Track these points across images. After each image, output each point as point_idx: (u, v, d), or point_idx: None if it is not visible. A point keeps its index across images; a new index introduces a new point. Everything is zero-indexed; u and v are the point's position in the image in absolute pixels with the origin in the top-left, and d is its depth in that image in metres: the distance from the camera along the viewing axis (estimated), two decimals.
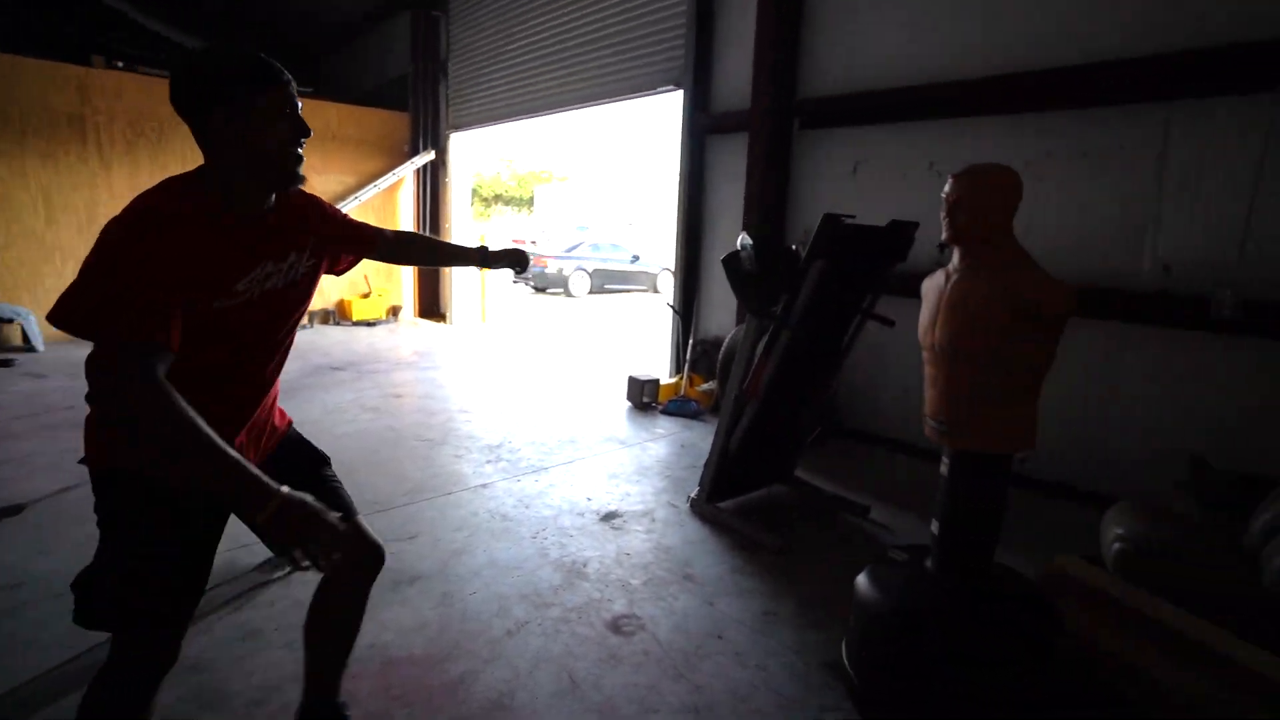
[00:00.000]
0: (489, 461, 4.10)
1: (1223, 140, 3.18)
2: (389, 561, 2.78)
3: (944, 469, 2.05)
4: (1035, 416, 1.91)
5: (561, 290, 15.80)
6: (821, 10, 4.75)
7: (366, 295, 9.46)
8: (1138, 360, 3.50)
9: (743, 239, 3.11)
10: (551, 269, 15.72)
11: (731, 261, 3.09)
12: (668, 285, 17.13)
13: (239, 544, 2.93)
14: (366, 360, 6.96)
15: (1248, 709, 1.81)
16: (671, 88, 6.02)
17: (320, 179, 9.02)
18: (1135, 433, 3.51)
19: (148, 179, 7.78)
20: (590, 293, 16.00)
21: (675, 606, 2.62)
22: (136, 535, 1.34)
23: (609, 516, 3.39)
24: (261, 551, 2.89)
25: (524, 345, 8.43)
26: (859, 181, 4.64)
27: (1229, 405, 3.22)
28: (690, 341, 5.75)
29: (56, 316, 1.15)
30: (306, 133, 1.31)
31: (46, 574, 2.69)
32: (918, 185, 4.27)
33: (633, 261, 16.92)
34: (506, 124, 8.48)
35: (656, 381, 5.50)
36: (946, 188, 1.94)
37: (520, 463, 4.11)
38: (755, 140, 5.05)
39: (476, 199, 27.46)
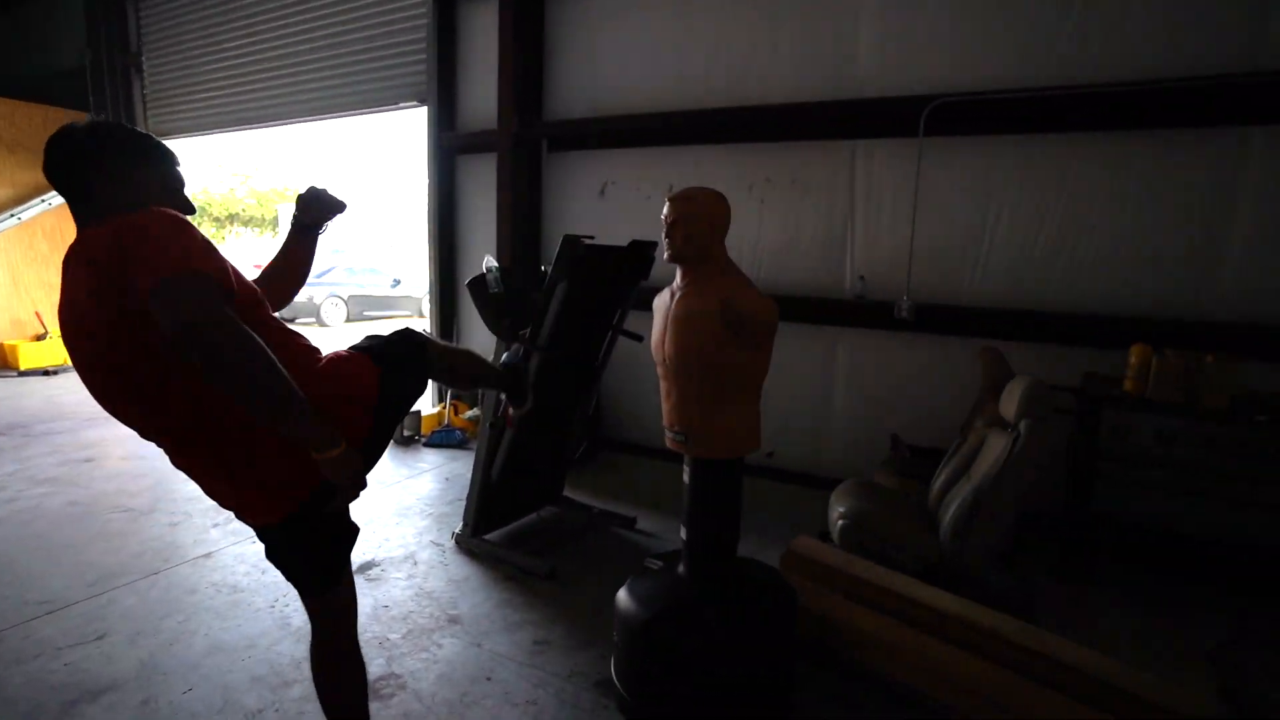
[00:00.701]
0: (215, 525, 3.49)
1: (890, 172, 3.86)
2: (62, 676, 2.25)
3: (686, 476, 2.16)
4: (758, 419, 2.10)
5: (313, 320, 14.31)
6: (562, 37, 4.89)
7: (41, 337, 7.61)
8: (846, 357, 4.10)
9: (488, 261, 3.03)
10: (301, 297, 14.02)
11: (477, 285, 3.00)
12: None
13: None
14: (42, 419, 5.58)
15: (928, 643, 2.17)
16: (415, 104, 5.76)
17: None
18: (852, 419, 4.10)
19: None
20: (347, 321, 14.71)
21: (439, 655, 2.44)
22: (323, 544, 1.56)
23: (364, 568, 3.07)
24: None
25: None
26: (609, 202, 4.84)
27: (917, 389, 3.89)
28: None
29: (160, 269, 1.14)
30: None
31: None
32: (661, 206, 4.56)
33: (394, 286, 15.92)
34: (226, 133, 7.43)
35: (418, 414, 5.17)
36: (664, 210, 2.05)
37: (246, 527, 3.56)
38: (504, 161, 5.01)
39: (207, 218, 23.94)
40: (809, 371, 4.16)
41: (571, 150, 4.97)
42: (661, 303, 2.13)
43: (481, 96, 5.30)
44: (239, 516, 1.53)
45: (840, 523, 2.83)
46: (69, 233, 7.89)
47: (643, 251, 3.19)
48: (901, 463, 3.53)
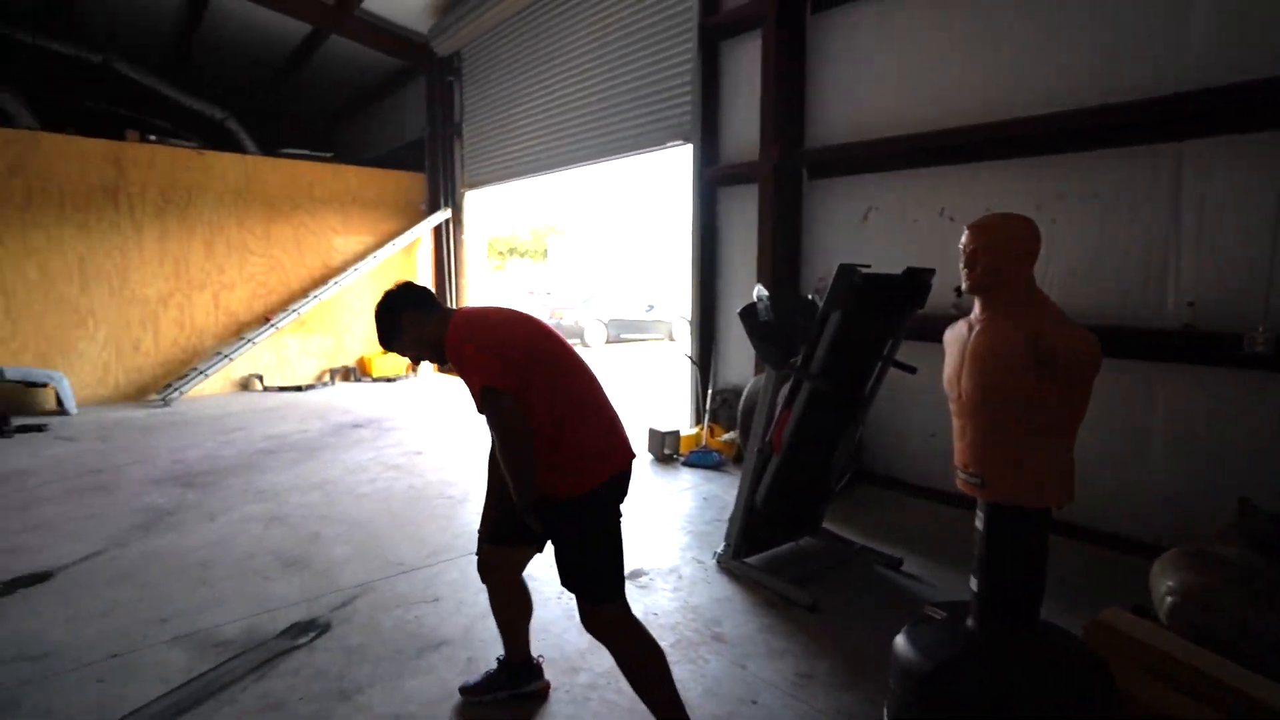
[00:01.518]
0: None
1: (1235, 175, 3.19)
2: (412, 627, 2.79)
3: (979, 523, 2.00)
4: (1071, 467, 1.87)
5: (578, 340, 15.92)
6: (824, 62, 4.89)
7: (386, 351, 9.58)
8: (1169, 399, 3.44)
9: (759, 291, 3.13)
10: (568, 320, 15.88)
11: (748, 314, 3.11)
12: (684, 333, 17.23)
13: (262, 609, 2.93)
14: (388, 417, 7.01)
15: None
16: (680, 142, 6.18)
17: (341, 240, 9.28)
18: (1173, 474, 3.42)
19: (176, 242, 8.06)
20: (607, 342, 16.11)
21: (706, 670, 2.54)
22: (599, 538, 1.99)
23: (634, 575, 3.33)
24: (284, 618, 2.87)
25: None
26: (871, 229, 4.69)
27: (1270, 443, 3.13)
28: (709, 391, 5.74)
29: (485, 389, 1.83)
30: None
31: (74, 644, 2.68)
32: (930, 231, 4.31)
33: (648, 311, 17.06)
34: (520, 180, 8.71)
35: (677, 433, 5.47)
36: (963, 239, 1.95)
37: None
38: (765, 191, 5.14)
39: (492, 251, 27.97)
40: (1116, 414, 3.55)
41: (833, 177, 4.92)
42: (957, 335, 2.01)
43: (742, 130, 5.51)
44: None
45: (1170, 599, 2.37)
46: (407, 267, 9.93)
47: (919, 279, 3.04)
48: (1255, 532, 2.84)
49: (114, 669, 2.51)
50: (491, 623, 2.83)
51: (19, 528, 3.90)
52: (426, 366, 10.09)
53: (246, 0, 8.33)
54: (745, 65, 5.41)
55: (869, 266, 2.86)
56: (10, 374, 6.79)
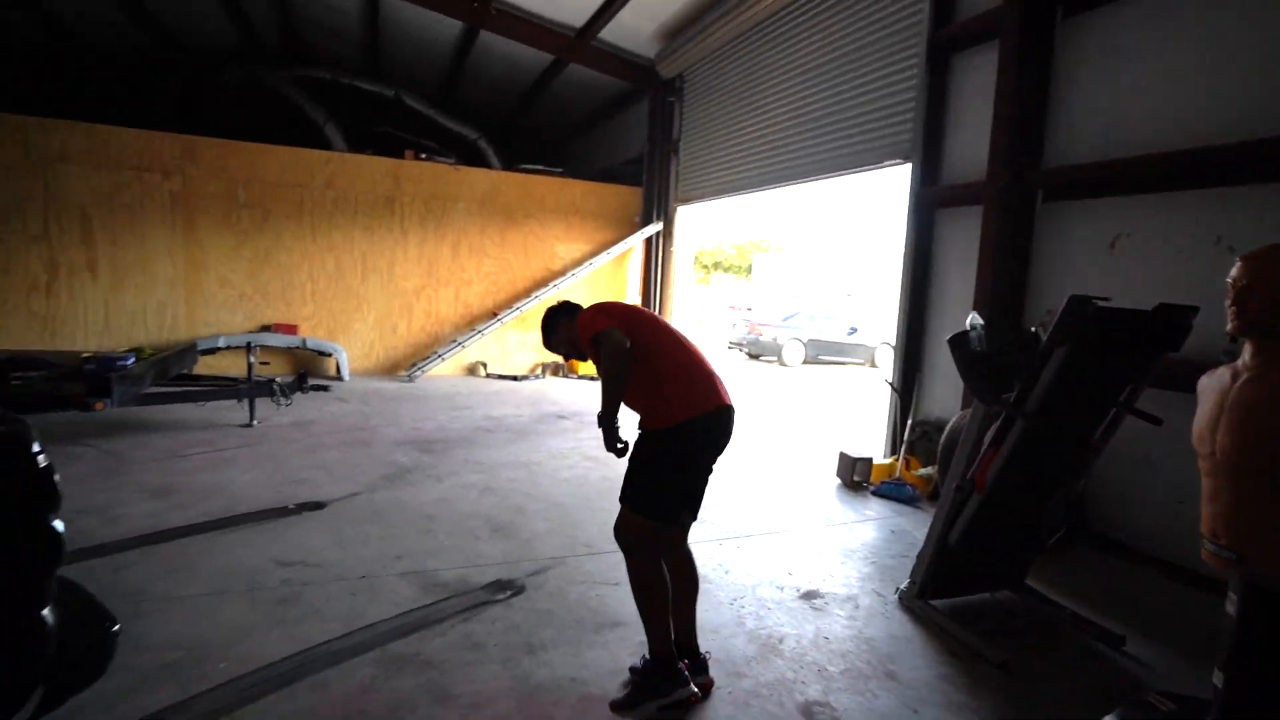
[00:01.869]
0: (695, 523, 4.20)
1: None
2: (594, 604, 3.03)
3: (1231, 606, 1.72)
4: None
5: (775, 359, 15.79)
6: (1071, 73, 4.40)
7: (547, 348, 10.31)
8: None
9: (973, 318, 2.93)
10: (766, 337, 15.82)
11: (959, 343, 2.93)
12: (886, 360, 16.30)
13: (471, 564, 3.36)
14: (589, 412, 7.58)
15: None
16: (898, 161, 5.92)
17: (564, 247, 10.19)
18: None
19: (431, 245, 9.44)
20: (804, 362, 15.77)
21: (874, 705, 2.45)
22: (668, 467, 2.40)
23: (809, 595, 3.29)
24: (489, 574, 3.27)
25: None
26: (1118, 259, 4.12)
27: None
28: (909, 422, 5.42)
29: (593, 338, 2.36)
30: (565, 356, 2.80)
31: (337, 561, 3.30)
32: (1198, 263, 3.68)
33: (850, 334, 16.41)
34: (732, 197, 8.91)
35: (870, 460, 5.25)
36: (1234, 271, 1.69)
37: (724, 527, 4.16)
38: (990, 214, 4.74)
39: (697, 265, 28.71)
40: None
41: (1073, 199, 4.40)
42: (1216, 384, 1.75)
43: (967, 148, 5.14)
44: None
45: None
46: (618, 276, 10.68)
47: (1175, 318, 2.65)
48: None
49: (361, 588, 3.06)
50: None
51: (307, 465, 4.87)
52: None
53: (505, 38, 9.53)
54: (976, 79, 5.05)
55: (1109, 300, 2.56)
56: (310, 344, 8.48)
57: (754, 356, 16.56)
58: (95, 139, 7.88)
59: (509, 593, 3.10)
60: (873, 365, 16.26)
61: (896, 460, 5.38)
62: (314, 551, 3.41)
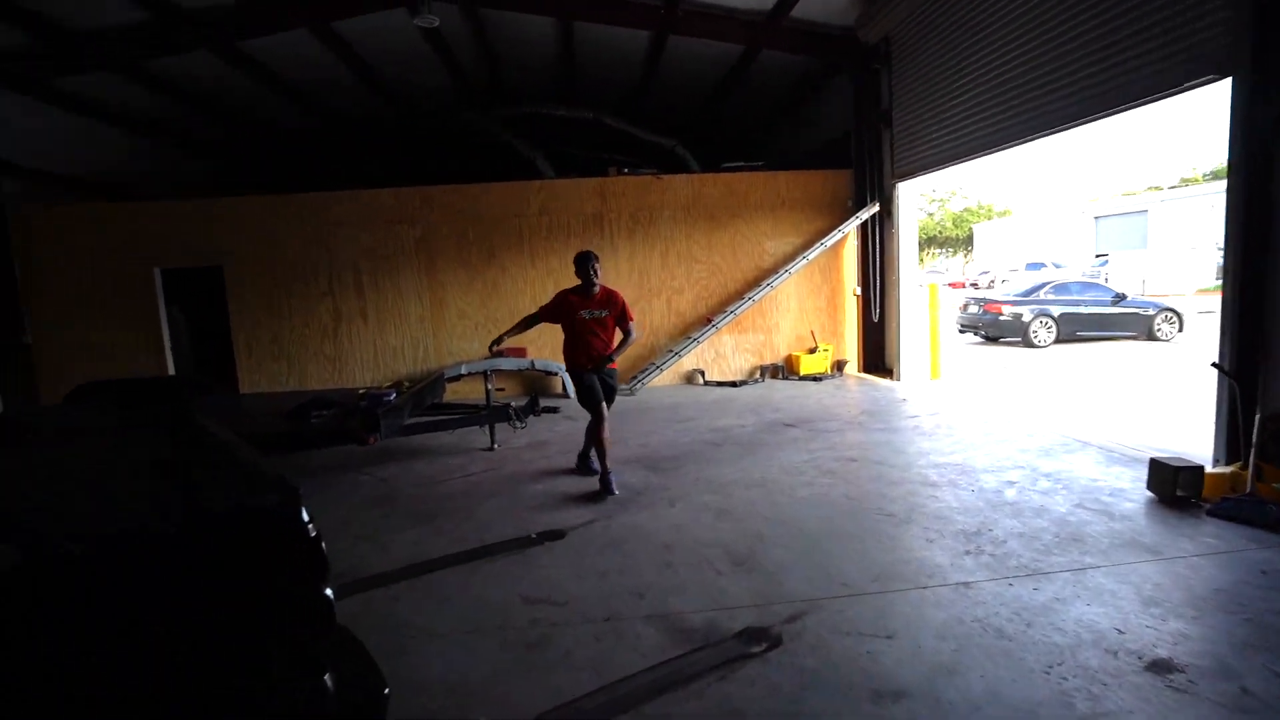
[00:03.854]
0: (967, 552, 3.52)
1: None
2: (865, 663, 2.56)
3: None
4: None
5: (1019, 340, 13.72)
6: None
7: (813, 350, 9.69)
8: None
9: None
10: (1006, 315, 13.81)
11: None
12: (1169, 332, 13.35)
13: (718, 604, 3.07)
14: (816, 417, 7.02)
15: None
16: (1210, 76, 4.57)
17: (772, 243, 9.71)
18: None
19: (640, 257, 9.53)
20: (1056, 342, 13.49)
21: None
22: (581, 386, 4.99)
23: (1159, 667, 2.49)
24: (739, 618, 2.95)
25: (986, 405, 7.41)
26: None
27: None
28: (1257, 417, 4.12)
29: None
30: (587, 273, 5.02)
31: (580, 598, 3.22)
32: None
33: (1115, 303, 13.69)
34: (963, 163, 7.75)
35: (1199, 469, 4.07)
36: None
37: (1008, 560, 3.42)
38: None
39: None
40: None
41: None
42: None
43: None
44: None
45: None
46: (833, 267, 9.95)
47: None
48: None
49: (606, 632, 2.91)
50: (959, 680, 2.44)
51: (544, 490, 5.01)
52: (850, 367, 9.88)
53: (693, 38, 9.32)
54: None
55: None
56: (538, 364, 8.97)
57: (991, 339, 14.57)
58: (360, 202, 9.13)
59: (764, 645, 2.75)
60: (1150, 338, 13.40)
61: (1239, 469, 4.12)
62: (558, 587, 3.37)
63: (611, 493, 4.75)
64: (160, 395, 7.01)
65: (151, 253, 9.01)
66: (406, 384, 6.69)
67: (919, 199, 26.92)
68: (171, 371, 9.10)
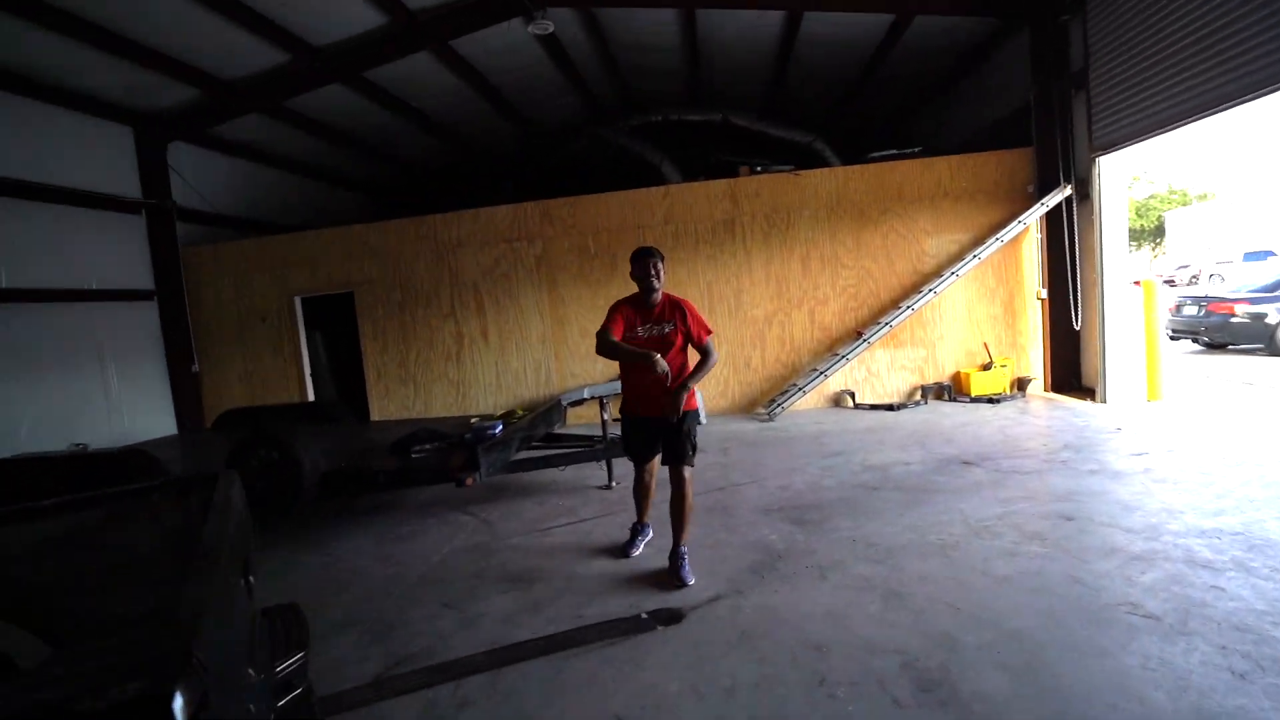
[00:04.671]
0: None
1: None
2: None
3: None
4: None
5: (1260, 346, 10.97)
6: None
7: (987, 366, 8.10)
8: None
9: None
10: (1241, 316, 11.11)
11: None
12: None
13: None
14: (1001, 452, 5.61)
15: None
16: None
17: (933, 241, 8.28)
18: None
19: (778, 264, 8.49)
20: None
21: None
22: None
23: None
24: None
25: (1242, 435, 5.60)
26: None
27: None
28: None
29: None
30: (645, 277, 3.74)
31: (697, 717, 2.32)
32: None
33: None
34: (1198, 121, 6.01)
35: None
36: None
37: None
38: None
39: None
40: None
41: None
42: None
43: None
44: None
45: None
46: (1011, 265, 8.33)
47: None
48: None
49: None
50: None
51: (663, 546, 4.15)
52: (1035, 386, 8.16)
53: (831, 11, 8.20)
54: None
55: None
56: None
57: (1216, 346, 11.80)
58: (479, 221, 8.92)
59: None
60: None
61: None
62: (666, 704, 2.50)
63: (683, 583, 3.46)
64: (291, 420, 7.07)
65: (294, 282, 9.34)
66: (521, 411, 6.18)
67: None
68: (311, 398, 9.35)
